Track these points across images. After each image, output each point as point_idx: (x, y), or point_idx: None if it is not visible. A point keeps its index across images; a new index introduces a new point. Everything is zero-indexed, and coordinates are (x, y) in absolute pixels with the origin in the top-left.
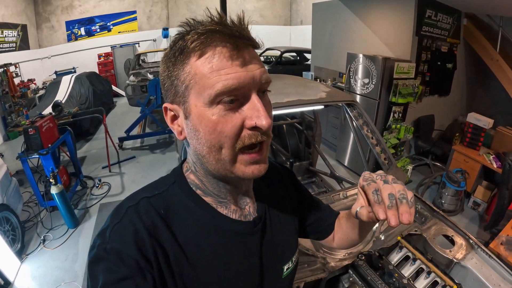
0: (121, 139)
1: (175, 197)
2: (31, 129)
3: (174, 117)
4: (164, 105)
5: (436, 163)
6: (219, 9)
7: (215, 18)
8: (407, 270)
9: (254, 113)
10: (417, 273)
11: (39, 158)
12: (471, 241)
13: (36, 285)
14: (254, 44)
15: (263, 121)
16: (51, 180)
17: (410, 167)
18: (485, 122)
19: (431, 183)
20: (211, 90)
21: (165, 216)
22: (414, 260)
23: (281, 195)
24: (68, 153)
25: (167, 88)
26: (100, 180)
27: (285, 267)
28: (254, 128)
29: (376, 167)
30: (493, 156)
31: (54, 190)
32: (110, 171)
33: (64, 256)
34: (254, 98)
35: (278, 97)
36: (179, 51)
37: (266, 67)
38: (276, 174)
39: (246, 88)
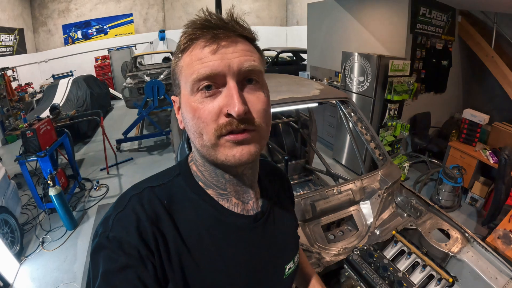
0: (119, 141)
1: (179, 188)
2: (29, 131)
3: (179, 109)
4: (172, 97)
5: (433, 160)
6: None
7: (203, 16)
8: (403, 264)
9: (228, 100)
10: (413, 267)
11: (37, 161)
12: (467, 235)
13: (35, 287)
14: (242, 34)
15: (235, 108)
16: (49, 182)
17: (407, 165)
18: (480, 118)
19: (428, 180)
20: (189, 78)
21: (168, 206)
22: (409, 254)
23: (283, 195)
24: (66, 155)
25: (172, 81)
26: (98, 182)
27: (287, 267)
28: (229, 115)
29: (372, 165)
30: (490, 151)
31: (52, 192)
32: (108, 173)
33: (63, 257)
34: (231, 85)
35: (271, 95)
36: (177, 48)
37: None
38: (278, 174)
39: (221, 75)
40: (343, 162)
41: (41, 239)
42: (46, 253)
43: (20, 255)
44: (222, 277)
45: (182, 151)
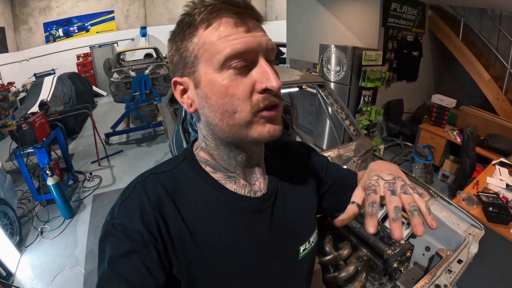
0: (108, 135)
1: (184, 174)
2: (25, 124)
3: (183, 91)
4: (174, 79)
5: (407, 143)
6: None
7: None
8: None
9: (264, 76)
10: (386, 216)
11: (28, 156)
12: (431, 191)
13: (39, 273)
14: (257, 16)
15: (274, 83)
16: (47, 172)
17: (382, 147)
18: (448, 102)
19: (402, 161)
20: (220, 55)
21: (172, 191)
22: (382, 206)
23: (299, 171)
24: (57, 151)
25: (176, 62)
26: (91, 174)
27: (302, 248)
28: (265, 91)
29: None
30: (457, 131)
31: (50, 182)
32: (99, 165)
33: (64, 244)
34: (262, 62)
35: None
36: (186, 26)
37: None
38: (292, 150)
39: (253, 52)
40: (324, 147)
41: (40, 229)
42: (46, 242)
43: (20, 245)
44: (226, 262)
45: (177, 136)
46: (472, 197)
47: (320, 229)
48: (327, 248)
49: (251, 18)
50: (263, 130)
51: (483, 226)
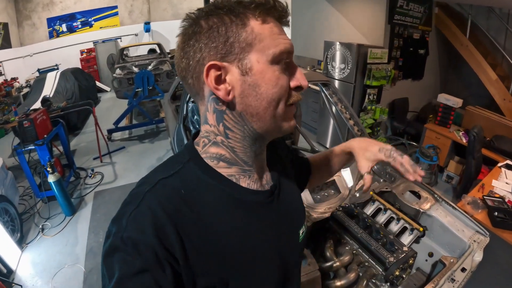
0: (110, 131)
1: (193, 174)
2: (26, 121)
3: (218, 78)
4: (212, 62)
5: (412, 142)
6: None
7: None
8: (380, 219)
9: (300, 76)
10: (389, 221)
11: (30, 153)
12: (436, 196)
13: (39, 271)
14: (287, 24)
15: (305, 82)
16: (48, 169)
17: None
18: (454, 101)
19: None
20: (275, 49)
21: (185, 196)
22: (385, 210)
23: (287, 165)
24: (59, 147)
25: (215, 43)
26: (92, 170)
27: (301, 231)
28: (297, 88)
29: None
30: (463, 132)
31: (51, 179)
32: (101, 161)
33: (64, 241)
34: (294, 64)
35: None
36: (238, 11)
37: None
38: (282, 147)
39: (292, 54)
40: (328, 145)
41: (40, 226)
42: (46, 239)
43: (21, 242)
44: (249, 256)
45: (178, 134)
46: (477, 201)
47: (321, 233)
48: (328, 253)
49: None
50: (290, 124)
51: (488, 233)
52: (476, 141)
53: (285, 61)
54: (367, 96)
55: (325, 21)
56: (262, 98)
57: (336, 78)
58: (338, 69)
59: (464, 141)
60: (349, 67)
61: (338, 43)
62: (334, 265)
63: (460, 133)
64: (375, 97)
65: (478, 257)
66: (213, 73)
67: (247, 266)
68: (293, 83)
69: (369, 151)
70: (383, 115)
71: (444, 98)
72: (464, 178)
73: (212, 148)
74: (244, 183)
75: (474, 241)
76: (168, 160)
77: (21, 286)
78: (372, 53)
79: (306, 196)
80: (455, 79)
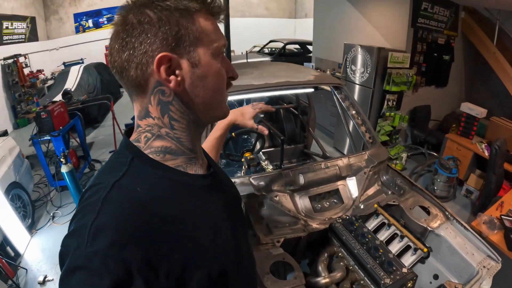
0: (128, 126)
1: (142, 172)
2: (43, 113)
3: (170, 69)
4: (163, 54)
5: (432, 152)
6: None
7: None
8: (383, 235)
9: (232, 68)
10: (392, 238)
11: (48, 143)
12: (447, 213)
13: (45, 257)
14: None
15: (237, 73)
16: (61, 159)
17: (404, 155)
18: (478, 111)
19: (424, 171)
20: (217, 43)
21: (145, 195)
22: (389, 225)
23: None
24: (77, 138)
25: (165, 34)
26: None
27: (242, 205)
28: (231, 78)
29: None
30: (485, 144)
31: (64, 169)
32: None
33: None
34: (225, 57)
35: (269, 79)
36: (187, 6)
37: (269, 58)
38: None
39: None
40: (345, 151)
41: (51, 214)
42: (56, 227)
43: (32, 228)
44: (220, 237)
45: None
46: (493, 220)
47: (317, 246)
48: (320, 268)
49: None
50: (228, 107)
51: (500, 259)
52: (498, 155)
53: (222, 55)
54: (386, 102)
55: (347, 23)
56: (210, 88)
57: (356, 82)
58: (357, 72)
59: (487, 154)
60: (368, 71)
61: (357, 45)
62: (323, 281)
63: (483, 145)
64: (394, 103)
65: (486, 285)
66: (164, 64)
67: (217, 247)
68: (228, 74)
69: (245, 113)
70: (403, 123)
71: (468, 107)
72: (483, 194)
73: (156, 142)
74: (192, 170)
75: (484, 266)
76: (109, 162)
77: (26, 269)
78: (392, 57)
79: (305, 204)
80: (481, 87)
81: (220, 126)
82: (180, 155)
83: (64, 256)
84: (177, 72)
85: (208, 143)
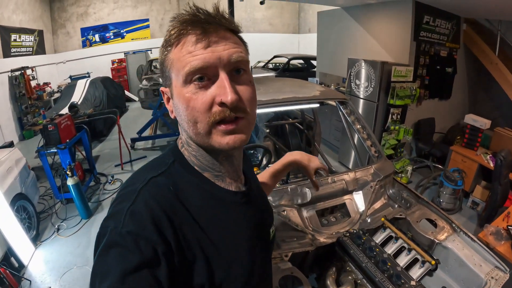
0: (133, 140)
1: (179, 174)
2: (50, 125)
3: (168, 99)
4: (161, 88)
5: (437, 165)
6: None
7: (191, 10)
8: (390, 248)
9: (221, 90)
10: (400, 251)
11: (54, 155)
12: (454, 225)
13: (49, 269)
14: (229, 28)
15: (228, 97)
16: (67, 172)
17: (409, 168)
18: (482, 122)
19: (429, 184)
20: (182, 71)
21: (176, 193)
22: (396, 239)
23: (251, 170)
24: (83, 152)
25: (161, 74)
26: (113, 177)
27: (271, 230)
28: (222, 104)
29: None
30: (490, 155)
31: (70, 182)
32: (122, 168)
33: (77, 243)
34: (222, 76)
35: (275, 94)
36: (166, 43)
37: (273, 74)
38: (248, 155)
39: (213, 67)
40: (350, 166)
41: (56, 226)
42: (60, 239)
43: (36, 240)
44: (236, 252)
45: None
46: (500, 231)
47: (325, 260)
48: (328, 282)
49: (220, 30)
50: (222, 141)
51: (508, 269)
52: (503, 165)
53: (202, 79)
54: (390, 115)
55: (350, 38)
56: (182, 119)
57: (359, 96)
58: (361, 87)
59: (492, 165)
60: (372, 85)
61: (361, 60)
62: None
63: (488, 157)
64: (398, 116)
65: None
66: (165, 96)
67: (229, 260)
68: (216, 99)
69: (312, 161)
70: (407, 136)
71: (471, 119)
72: (489, 205)
73: (186, 152)
74: (220, 185)
75: (492, 277)
76: (153, 162)
77: (30, 281)
78: (396, 71)
79: (313, 219)
80: (484, 99)
81: (283, 161)
82: (205, 170)
83: (101, 236)
84: (170, 102)
85: (266, 174)
